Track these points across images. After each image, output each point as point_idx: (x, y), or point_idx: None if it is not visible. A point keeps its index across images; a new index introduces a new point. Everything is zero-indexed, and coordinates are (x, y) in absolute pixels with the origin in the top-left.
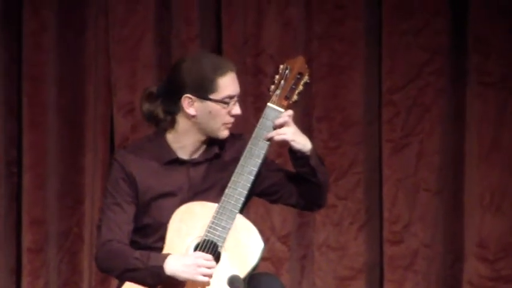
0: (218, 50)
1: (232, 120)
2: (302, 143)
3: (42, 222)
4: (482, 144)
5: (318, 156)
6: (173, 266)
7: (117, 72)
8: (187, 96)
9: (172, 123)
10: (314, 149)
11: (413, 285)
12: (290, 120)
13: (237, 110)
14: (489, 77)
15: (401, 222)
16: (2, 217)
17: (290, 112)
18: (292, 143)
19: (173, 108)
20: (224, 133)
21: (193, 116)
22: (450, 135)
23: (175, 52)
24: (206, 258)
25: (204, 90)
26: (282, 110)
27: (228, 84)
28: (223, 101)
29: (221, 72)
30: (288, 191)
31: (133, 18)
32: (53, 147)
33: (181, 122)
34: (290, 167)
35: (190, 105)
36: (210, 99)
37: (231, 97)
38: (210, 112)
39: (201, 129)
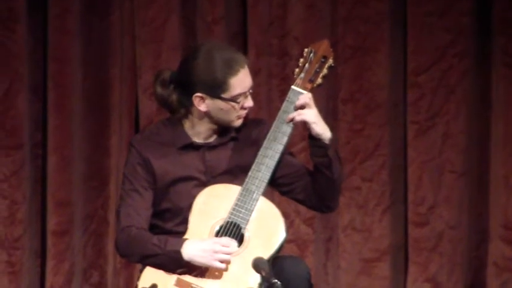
0: (243, 32)
1: (245, 112)
2: (322, 128)
3: (67, 204)
4: (508, 126)
5: (336, 152)
6: (190, 251)
7: (142, 54)
8: (197, 96)
9: (186, 114)
10: (334, 141)
11: (438, 267)
12: (312, 103)
13: (249, 103)
14: None
15: (426, 204)
16: (27, 199)
17: (310, 95)
18: (313, 125)
19: (186, 102)
20: (237, 123)
21: (205, 112)
22: (475, 116)
23: (200, 34)
24: (224, 244)
25: (215, 90)
26: (306, 93)
27: (239, 82)
28: (234, 100)
29: (232, 71)
30: (299, 185)
31: (158, 0)
32: (78, 130)
33: (195, 113)
34: (308, 157)
35: (201, 102)
36: (222, 98)
37: (242, 94)
38: (221, 109)
39: (214, 121)
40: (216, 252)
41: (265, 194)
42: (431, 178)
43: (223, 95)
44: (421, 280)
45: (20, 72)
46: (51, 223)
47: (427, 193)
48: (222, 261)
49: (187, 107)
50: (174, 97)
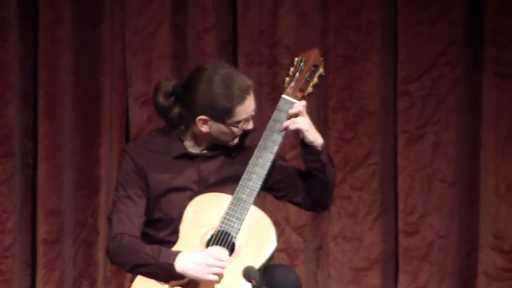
0: (234, 41)
1: (241, 132)
2: (315, 135)
3: (58, 213)
4: (498, 135)
5: (328, 155)
6: (184, 264)
7: (133, 62)
8: (201, 118)
9: (185, 130)
10: (325, 146)
11: (428, 276)
12: (304, 111)
13: (249, 126)
14: (505, 68)
15: (416, 213)
16: (18, 208)
17: (304, 102)
18: (306, 133)
19: (188, 121)
20: (234, 142)
21: (206, 132)
22: (466, 125)
23: (190, 43)
24: (217, 257)
25: (220, 116)
26: (296, 102)
27: (244, 109)
28: (237, 124)
29: (239, 100)
30: (294, 188)
31: (149, 8)
32: (68, 139)
33: (195, 130)
34: (300, 164)
35: (204, 123)
36: (225, 123)
37: (245, 119)
38: (222, 132)
39: (212, 139)
40: (209, 265)
41: (256, 203)
42: (421, 187)
43: (228, 121)
44: None
45: (10, 81)
46: (42, 232)
47: (418, 202)
48: (214, 274)
49: (187, 125)
50: (175, 111)
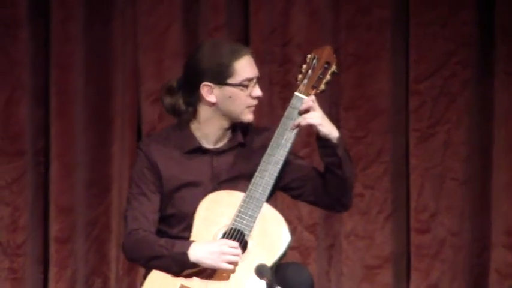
0: (245, 39)
1: (254, 102)
2: (329, 128)
3: (70, 211)
4: (509, 134)
5: (346, 150)
6: (198, 253)
7: (145, 61)
8: (205, 84)
9: (194, 114)
10: (342, 140)
11: (440, 274)
12: (315, 105)
13: (257, 91)
14: None
15: (428, 212)
16: (29, 206)
17: (312, 97)
18: (319, 127)
19: (193, 99)
20: (248, 116)
21: (214, 104)
22: (477, 125)
23: (202, 41)
24: (231, 245)
25: (221, 76)
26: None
27: (244, 67)
28: (241, 84)
29: (237, 55)
30: (311, 188)
31: (160, 7)
32: (80, 137)
33: (203, 111)
34: (317, 158)
35: (209, 92)
36: (229, 84)
37: (249, 79)
38: (230, 97)
39: (223, 115)
40: (223, 253)
41: (269, 201)
42: (433, 185)
43: (230, 81)
44: (423, 287)
45: (22, 79)
46: (54, 230)
47: (429, 200)
48: (229, 263)
49: (194, 105)
50: (181, 100)
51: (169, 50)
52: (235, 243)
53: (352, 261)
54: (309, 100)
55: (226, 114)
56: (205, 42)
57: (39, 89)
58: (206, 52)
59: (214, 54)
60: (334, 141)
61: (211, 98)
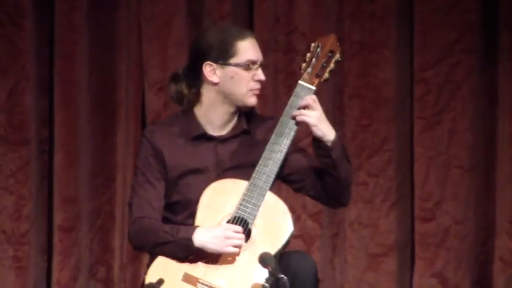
0: (250, 28)
1: (257, 86)
2: (324, 131)
3: (74, 200)
4: None
5: (344, 152)
6: (202, 237)
7: (149, 50)
8: (208, 63)
9: (197, 96)
10: (339, 143)
11: (444, 262)
12: (315, 105)
13: (260, 75)
14: None
15: (432, 200)
16: (34, 195)
17: (314, 97)
18: (314, 128)
19: (196, 81)
20: (251, 100)
21: (217, 84)
22: (482, 112)
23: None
24: (235, 230)
25: (224, 55)
26: (313, 87)
27: (248, 48)
28: (244, 65)
29: (241, 36)
30: (311, 182)
31: None
32: (84, 126)
33: (206, 93)
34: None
35: (212, 72)
36: (231, 64)
37: (252, 62)
38: (232, 77)
39: (226, 98)
40: (228, 238)
41: (272, 189)
42: (437, 174)
43: (232, 61)
44: (427, 275)
45: (26, 69)
46: (58, 219)
47: (434, 189)
48: (234, 247)
49: (197, 87)
50: (184, 85)
51: (173, 40)
52: (239, 228)
53: (357, 249)
54: (309, 98)
55: (228, 97)
56: (211, 25)
57: (43, 79)
58: (211, 32)
59: (218, 34)
60: (329, 144)
61: (214, 78)
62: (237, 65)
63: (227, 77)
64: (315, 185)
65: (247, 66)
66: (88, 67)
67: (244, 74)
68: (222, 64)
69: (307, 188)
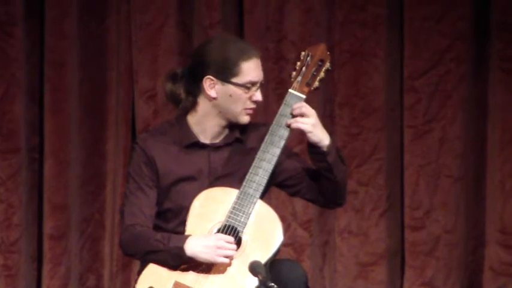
0: (240, 36)
1: (253, 106)
2: (320, 137)
3: (64, 208)
4: (504, 131)
5: (338, 155)
6: (193, 246)
7: (139, 58)
8: (208, 78)
9: (193, 105)
10: (334, 146)
11: (434, 271)
12: (308, 111)
13: (258, 96)
14: (511, 64)
15: (422, 209)
16: (24, 203)
17: (303, 103)
18: (309, 135)
19: (195, 90)
20: (245, 118)
21: (214, 98)
22: (472, 121)
23: (196, 38)
24: (227, 240)
25: (226, 73)
26: (303, 96)
27: (251, 69)
28: (244, 86)
29: (245, 57)
30: (306, 185)
31: (155, 4)
32: (74, 134)
33: (202, 103)
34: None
35: (211, 87)
36: (232, 83)
37: (253, 83)
38: (230, 96)
39: (221, 112)
40: (219, 248)
41: (263, 198)
42: (427, 182)
43: (234, 80)
44: (417, 284)
45: (16, 76)
46: (48, 227)
47: (424, 197)
48: (225, 257)
49: (194, 96)
50: (182, 89)
51: (163, 48)
52: (231, 238)
53: (346, 258)
54: (301, 106)
55: (223, 112)
56: (218, 35)
57: (33, 86)
58: (216, 45)
59: (223, 49)
60: (324, 149)
61: (212, 93)
62: (237, 84)
63: (225, 94)
64: (311, 188)
65: (247, 87)
66: (78, 75)
67: (243, 94)
68: (222, 81)
69: (304, 192)
